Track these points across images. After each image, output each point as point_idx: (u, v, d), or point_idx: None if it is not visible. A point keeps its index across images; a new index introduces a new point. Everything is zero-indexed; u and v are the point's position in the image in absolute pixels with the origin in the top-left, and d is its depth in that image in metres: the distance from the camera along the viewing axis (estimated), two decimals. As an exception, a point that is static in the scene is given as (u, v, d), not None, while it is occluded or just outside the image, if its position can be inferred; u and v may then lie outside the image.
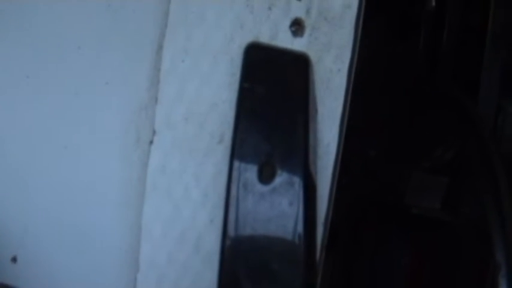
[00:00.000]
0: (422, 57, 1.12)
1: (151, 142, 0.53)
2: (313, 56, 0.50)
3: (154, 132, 0.52)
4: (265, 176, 0.46)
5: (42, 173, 0.56)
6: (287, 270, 0.46)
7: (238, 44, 0.51)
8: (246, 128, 0.47)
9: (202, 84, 0.51)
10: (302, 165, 0.46)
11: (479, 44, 0.94)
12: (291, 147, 0.47)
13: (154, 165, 0.53)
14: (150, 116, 0.53)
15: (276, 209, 0.46)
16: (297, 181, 0.46)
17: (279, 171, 0.46)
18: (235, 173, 0.46)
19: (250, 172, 0.46)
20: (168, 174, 0.52)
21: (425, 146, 0.94)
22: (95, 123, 0.55)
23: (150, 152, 0.52)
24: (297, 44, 0.50)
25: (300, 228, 0.46)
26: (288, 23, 0.50)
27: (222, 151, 0.51)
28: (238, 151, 0.47)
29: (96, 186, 0.55)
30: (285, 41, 0.50)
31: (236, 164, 0.47)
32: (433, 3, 1.17)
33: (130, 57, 0.54)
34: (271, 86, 0.48)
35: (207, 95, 0.51)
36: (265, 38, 0.50)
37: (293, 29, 0.50)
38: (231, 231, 0.46)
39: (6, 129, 0.55)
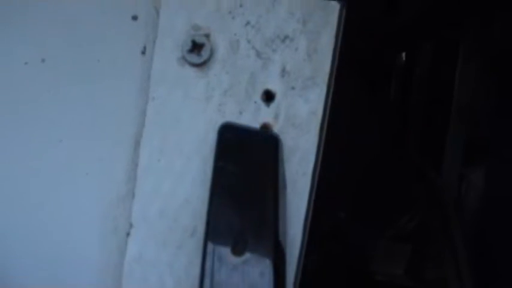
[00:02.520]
0: (393, 109, 1.18)
1: (128, 234, 0.57)
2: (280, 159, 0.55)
3: (131, 225, 0.57)
4: (237, 249, 0.50)
5: (25, 255, 0.60)
6: None
7: (210, 145, 0.56)
8: (220, 204, 0.52)
9: (177, 182, 0.56)
10: (272, 238, 0.51)
11: (447, 104, 1.00)
12: (262, 222, 0.51)
13: (131, 255, 0.57)
14: (128, 208, 0.57)
15: (247, 280, 0.51)
16: (268, 253, 0.50)
17: (250, 244, 0.50)
18: (209, 246, 0.51)
19: (224, 245, 0.50)
20: (143, 264, 0.57)
21: (390, 214, 0.99)
22: (75, 211, 0.60)
23: (127, 242, 0.57)
24: (265, 147, 0.55)
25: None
26: (257, 127, 0.56)
27: (194, 243, 0.56)
28: (212, 226, 0.51)
29: (74, 272, 0.59)
30: (254, 143, 0.55)
31: (211, 237, 0.51)
32: (403, 58, 1.24)
33: (110, 151, 0.59)
34: (243, 164, 0.52)
35: (181, 192, 0.56)
36: (235, 141, 0.55)
37: (262, 132, 0.55)
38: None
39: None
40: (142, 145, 0.56)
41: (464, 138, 0.96)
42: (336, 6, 0.55)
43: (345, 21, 0.55)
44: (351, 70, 1.18)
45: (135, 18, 0.58)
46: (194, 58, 0.54)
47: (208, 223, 0.51)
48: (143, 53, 0.58)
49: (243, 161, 0.52)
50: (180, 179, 0.55)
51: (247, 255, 0.50)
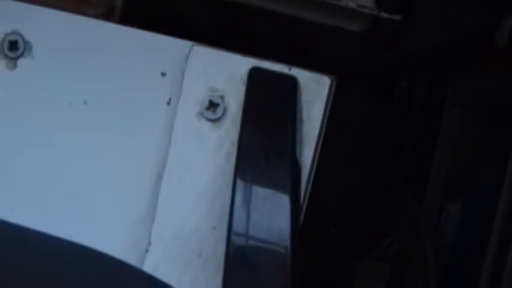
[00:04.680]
0: (392, 128, 1.37)
1: (147, 250, 0.77)
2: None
3: (149, 243, 0.76)
4: (261, 167, 0.69)
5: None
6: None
7: (217, 187, 0.75)
8: (247, 131, 0.71)
9: (189, 214, 0.75)
10: (290, 159, 0.70)
11: (434, 140, 1.19)
12: (282, 146, 0.70)
13: (148, 267, 0.76)
14: (147, 230, 0.77)
15: (270, 191, 0.70)
16: (286, 171, 0.70)
17: (272, 163, 0.69)
18: (240, 166, 0.70)
19: (251, 164, 0.70)
20: (157, 275, 0.76)
21: (374, 236, 1.19)
22: (102, 228, 0.79)
23: (146, 257, 0.77)
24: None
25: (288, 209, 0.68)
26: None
27: (200, 263, 0.76)
28: (242, 149, 0.71)
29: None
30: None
31: (241, 158, 0.70)
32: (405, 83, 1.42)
33: (135, 181, 0.78)
34: (267, 100, 0.72)
35: (192, 221, 0.75)
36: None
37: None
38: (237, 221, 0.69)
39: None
40: (164, 181, 0.75)
41: (446, 173, 1.15)
42: (327, 81, 0.74)
43: (334, 93, 0.74)
44: (357, 93, 1.37)
45: (163, 74, 0.77)
46: (210, 114, 0.74)
47: (240, 147, 0.71)
48: (168, 104, 0.77)
49: (267, 97, 0.72)
50: (192, 211, 0.74)
51: (269, 171, 0.69)
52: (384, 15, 0.78)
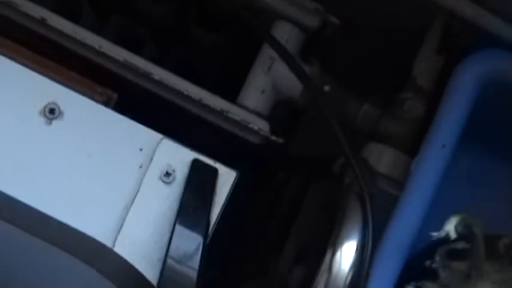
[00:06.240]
0: (268, 210, 1.96)
1: (109, 252, 1.34)
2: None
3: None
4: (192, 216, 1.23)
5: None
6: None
7: (168, 229, 1.37)
8: (187, 195, 1.26)
9: (141, 245, 1.35)
10: (207, 215, 1.24)
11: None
12: (203, 206, 1.25)
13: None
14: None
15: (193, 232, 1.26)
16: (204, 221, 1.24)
17: (197, 216, 1.22)
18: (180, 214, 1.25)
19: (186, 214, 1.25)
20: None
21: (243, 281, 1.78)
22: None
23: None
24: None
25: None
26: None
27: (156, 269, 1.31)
28: (182, 204, 1.17)
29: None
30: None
31: (180, 209, 1.17)
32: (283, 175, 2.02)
33: (103, 217, 1.39)
34: (200, 178, 1.27)
35: (142, 250, 1.35)
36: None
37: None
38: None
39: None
40: (126, 220, 1.14)
41: (296, 248, 1.76)
42: (234, 173, 1.35)
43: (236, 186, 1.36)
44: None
45: (141, 149, 1.37)
46: (165, 179, 1.34)
47: (180, 203, 1.23)
48: (140, 167, 1.37)
49: (200, 177, 1.27)
50: (144, 243, 1.25)
51: (194, 220, 1.24)
52: (273, 138, 1.45)
